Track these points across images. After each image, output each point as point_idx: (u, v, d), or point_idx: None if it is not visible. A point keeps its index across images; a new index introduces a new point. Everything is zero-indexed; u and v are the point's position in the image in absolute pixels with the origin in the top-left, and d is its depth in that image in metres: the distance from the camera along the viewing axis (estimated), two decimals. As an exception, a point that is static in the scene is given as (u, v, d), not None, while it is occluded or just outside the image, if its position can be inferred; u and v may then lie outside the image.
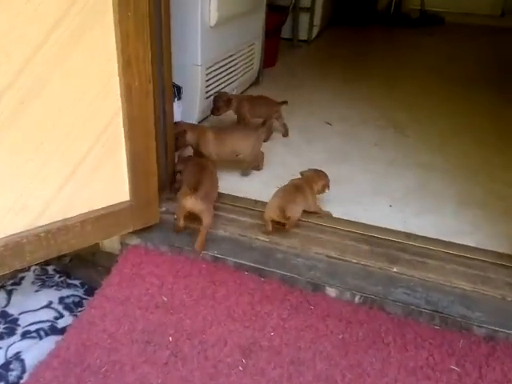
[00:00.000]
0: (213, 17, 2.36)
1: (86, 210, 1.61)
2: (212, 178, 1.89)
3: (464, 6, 5.67)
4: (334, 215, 1.94)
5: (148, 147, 1.65)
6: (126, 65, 1.47)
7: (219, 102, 2.43)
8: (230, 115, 2.56)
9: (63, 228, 1.56)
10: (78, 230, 1.59)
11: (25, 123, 1.37)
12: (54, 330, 1.60)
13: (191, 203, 1.70)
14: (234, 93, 2.83)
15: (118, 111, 1.54)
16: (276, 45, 3.81)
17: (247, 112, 2.48)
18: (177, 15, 2.26)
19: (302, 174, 1.99)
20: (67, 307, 1.72)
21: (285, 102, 2.56)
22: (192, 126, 2.23)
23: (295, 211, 1.81)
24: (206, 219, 1.72)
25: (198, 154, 2.15)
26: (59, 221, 1.55)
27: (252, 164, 2.25)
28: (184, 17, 2.29)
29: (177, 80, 2.29)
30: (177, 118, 2.23)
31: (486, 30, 5.31)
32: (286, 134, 2.64)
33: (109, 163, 1.60)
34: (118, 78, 1.49)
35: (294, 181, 1.94)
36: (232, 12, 2.56)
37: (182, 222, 1.80)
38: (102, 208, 1.64)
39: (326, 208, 1.98)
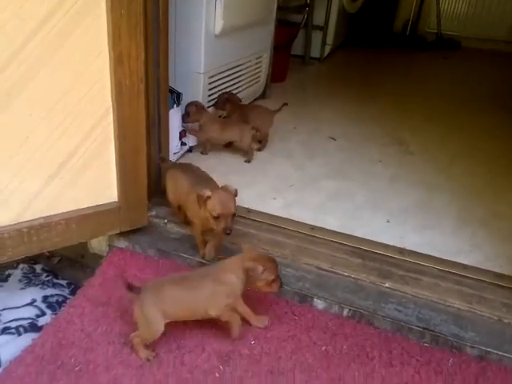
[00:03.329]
0: (218, 25, 2.37)
1: (72, 209, 1.59)
2: None
3: (481, 32, 5.62)
4: (329, 228, 1.89)
5: (138, 148, 1.64)
6: (117, 62, 1.46)
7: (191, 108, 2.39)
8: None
9: (46, 225, 1.54)
10: (62, 228, 1.57)
11: (10, 116, 1.36)
12: (33, 328, 1.56)
13: None
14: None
15: (108, 109, 1.53)
16: (286, 60, 3.82)
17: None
18: (181, 21, 2.30)
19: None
20: (50, 306, 1.69)
21: (285, 104, 2.59)
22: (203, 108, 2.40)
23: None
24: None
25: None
26: (43, 217, 1.53)
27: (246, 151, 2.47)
28: (188, 23, 2.31)
29: (178, 86, 2.30)
30: (176, 123, 2.22)
31: (502, 56, 5.26)
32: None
33: (97, 162, 1.58)
34: (109, 75, 1.48)
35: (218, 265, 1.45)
36: (238, 22, 2.57)
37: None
38: (89, 207, 1.62)
39: (321, 220, 1.93)
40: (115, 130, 1.56)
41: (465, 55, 5.38)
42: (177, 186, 1.77)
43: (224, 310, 1.37)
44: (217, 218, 1.51)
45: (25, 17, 1.28)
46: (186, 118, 2.33)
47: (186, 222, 1.79)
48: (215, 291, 1.35)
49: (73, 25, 1.36)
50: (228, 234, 1.52)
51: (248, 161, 2.46)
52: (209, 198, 1.52)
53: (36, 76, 1.35)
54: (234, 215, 1.54)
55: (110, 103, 1.52)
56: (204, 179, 1.74)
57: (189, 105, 2.34)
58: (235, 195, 1.57)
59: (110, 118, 1.54)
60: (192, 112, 2.32)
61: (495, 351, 1.38)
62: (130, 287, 1.32)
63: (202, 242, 1.69)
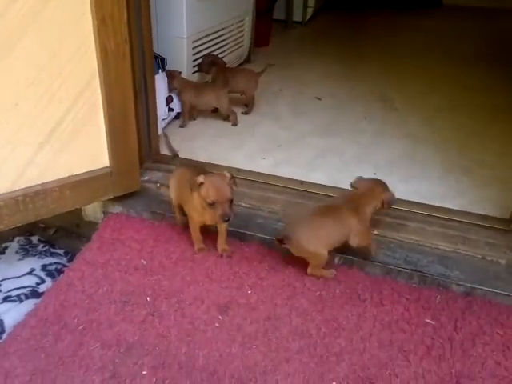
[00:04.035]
0: (199, -12, 2.35)
1: (65, 175, 1.61)
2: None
3: (462, -12, 5.60)
4: (319, 183, 1.93)
5: (126, 113, 1.65)
6: (101, 24, 1.46)
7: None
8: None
9: (41, 192, 1.56)
10: (56, 194, 1.59)
11: (-3, 83, 1.37)
12: (34, 294, 1.61)
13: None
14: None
15: (94, 73, 1.54)
16: (268, 24, 3.79)
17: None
18: (162, -14, 2.27)
19: (353, 185, 1.60)
20: (50, 274, 1.73)
21: (270, 65, 2.61)
22: (182, 78, 2.43)
23: (319, 249, 1.46)
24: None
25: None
26: (37, 185, 1.56)
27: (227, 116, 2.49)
28: (169, -12, 2.29)
29: (162, 52, 2.30)
30: (162, 89, 2.22)
31: (485, 12, 5.25)
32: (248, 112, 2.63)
33: (87, 128, 1.60)
34: (93, 38, 1.48)
35: (335, 200, 1.61)
36: (219, -16, 2.55)
37: None
38: (81, 173, 1.64)
39: (310, 176, 1.98)
40: (103, 94, 1.57)
41: (446, 12, 5.35)
42: (179, 184, 1.64)
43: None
44: (212, 204, 1.43)
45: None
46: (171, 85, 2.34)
47: (183, 223, 1.70)
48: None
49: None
50: (226, 220, 1.44)
51: (234, 124, 2.47)
52: (202, 184, 1.45)
53: (21, 40, 1.35)
54: (231, 201, 1.45)
55: (96, 66, 1.52)
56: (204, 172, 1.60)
57: (169, 72, 2.34)
58: (231, 180, 1.48)
59: (97, 81, 1.55)
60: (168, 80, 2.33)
61: (479, 287, 1.45)
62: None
63: (198, 237, 1.62)
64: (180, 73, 2.40)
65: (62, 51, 1.44)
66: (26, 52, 1.38)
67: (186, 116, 2.44)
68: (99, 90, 1.57)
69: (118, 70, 1.56)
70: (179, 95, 2.40)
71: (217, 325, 1.38)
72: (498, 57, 3.70)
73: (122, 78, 1.58)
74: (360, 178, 1.61)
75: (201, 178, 1.45)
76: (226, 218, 1.43)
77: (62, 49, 1.44)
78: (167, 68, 2.31)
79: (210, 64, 2.52)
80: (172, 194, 1.70)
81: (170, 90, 2.35)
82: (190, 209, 1.57)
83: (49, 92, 1.47)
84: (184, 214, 1.66)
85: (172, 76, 2.35)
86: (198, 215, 1.54)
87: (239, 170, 1.98)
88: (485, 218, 1.72)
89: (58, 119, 1.52)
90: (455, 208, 1.78)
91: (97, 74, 1.54)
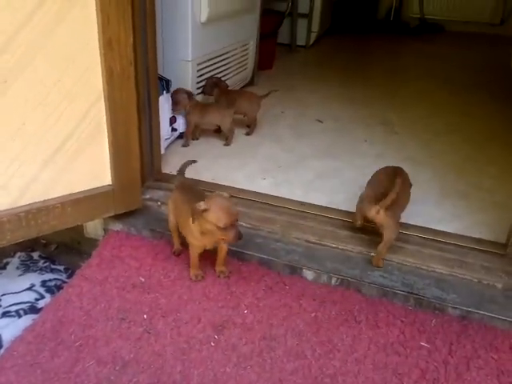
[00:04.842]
0: (204, 13, 2.41)
1: (67, 193, 1.64)
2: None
3: (464, 15, 5.68)
4: (318, 204, 1.95)
5: (130, 132, 1.69)
6: (108, 47, 1.52)
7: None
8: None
9: (44, 209, 1.59)
10: (58, 211, 1.62)
11: (7, 103, 1.41)
12: (33, 310, 1.62)
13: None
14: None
15: (100, 94, 1.58)
16: (272, 48, 3.87)
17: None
18: (168, 9, 2.35)
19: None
20: (49, 290, 1.74)
21: (274, 91, 2.65)
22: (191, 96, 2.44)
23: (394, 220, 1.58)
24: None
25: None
26: (40, 201, 1.59)
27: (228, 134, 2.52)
28: (175, 12, 2.35)
29: (167, 74, 2.35)
30: (165, 110, 2.27)
31: (485, 38, 5.34)
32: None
33: (91, 147, 1.64)
34: (99, 60, 1.53)
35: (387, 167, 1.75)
36: (223, 9, 2.62)
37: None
38: (83, 191, 1.67)
39: (310, 197, 2.00)
40: (107, 114, 1.61)
41: (448, 38, 5.46)
42: (176, 209, 1.63)
43: None
44: (224, 228, 1.41)
45: (17, 6, 1.33)
46: (175, 106, 2.38)
47: (179, 251, 1.71)
48: None
49: (63, 12, 1.41)
50: (240, 239, 1.43)
51: (227, 144, 2.51)
52: (206, 210, 1.41)
53: (31, 63, 1.41)
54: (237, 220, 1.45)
55: (102, 87, 1.57)
56: (199, 196, 1.58)
57: (176, 92, 2.38)
58: (231, 199, 1.48)
59: (102, 102, 1.59)
60: (183, 99, 2.37)
61: (475, 310, 1.45)
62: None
63: (196, 264, 1.60)
64: (193, 94, 2.45)
65: (70, 73, 1.49)
66: (35, 74, 1.43)
67: (189, 136, 2.49)
68: (104, 111, 1.61)
69: (123, 91, 1.61)
70: (186, 115, 2.44)
71: (212, 344, 1.39)
72: (498, 84, 3.75)
73: (126, 99, 1.63)
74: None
75: (203, 205, 1.41)
76: (241, 237, 1.42)
77: (70, 71, 1.49)
78: (174, 88, 2.36)
79: (212, 86, 2.58)
80: (170, 216, 1.67)
81: (175, 110, 2.39)
82: (189, 236, 1.54)
83: (56, 112, 1.51)
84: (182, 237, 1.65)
85: (189, 95, 2.40)
86: (198, 241, 1.53)
87: (240, 190, 2.01)
88: (481, 241, 1.73)
89: (64, 138, 1.56)
90: (452, 231, 1.79)
91: (102, 95, 1.59)
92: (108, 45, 1.51)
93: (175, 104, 2.36)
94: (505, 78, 3.82)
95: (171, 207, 1.67)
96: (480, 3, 5.60)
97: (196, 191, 1.66)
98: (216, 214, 1.40)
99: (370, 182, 1.76)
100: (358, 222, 1.71)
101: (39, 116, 1.49)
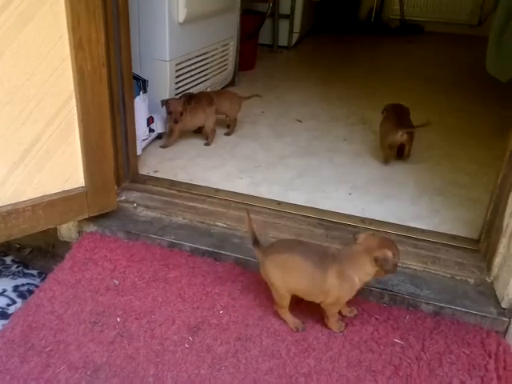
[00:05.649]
0: (181, 13, 2.40)
1: (38, 195, 1.61)
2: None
3: (443, 16, 5.76)
4: (296, 203, 1.95)
5: (103, 133, 1.67)
6: (78, 47, 1.49)
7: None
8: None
9: (14, 212, 1.55)
10: (29, 214, 1.59)
11: (-28, 103, 1.39)
12: (3, 316, 1.58)
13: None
14: (207, 90, 2.86)
15: (71, 95, 1.56)
16: (253, 48, 3.86)
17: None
18: (145, 9, 2.33)
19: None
20: (21, 295, 1.71)
21: (256, 95, 2.66)
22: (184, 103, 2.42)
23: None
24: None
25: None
26: (10, 204, 1.55)
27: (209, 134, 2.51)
28: (152, 11, 2.33)
29: (145, 74, 2.33)
30: (142, 110, 2.25)
31: (463, 39, 5.41)
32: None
33: (62, 148, 1.61)
34: (70, 60, 1.51)
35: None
36: (201, 9, 2.60)
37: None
38: (55, 193, 1.64)
39: (288, 196, 2.00)
40: (79, 115, 1.58)
41: (428, 39, 5.50)
42: (293, 274, 1.36)
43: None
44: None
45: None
46: (178, 116, 2.35)
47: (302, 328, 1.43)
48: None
49: (31, 10, 1.39)
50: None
51: (208, 144, 2.50)
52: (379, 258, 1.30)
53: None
54: None
55: (73, 88, 1.54)
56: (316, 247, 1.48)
57: (173, 104, 2.35)
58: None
59: (74, 103, 1.57)
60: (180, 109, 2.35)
61: (448, 306, 1.46)
62: None
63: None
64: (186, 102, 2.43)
65: (39, 73, 1.47)
66: (2, 73, 1.40)
67: (173, 142, 2.47)
68: (75, 111, 1.59)
69: (95, 91, 1.58)
70: (182, 119, 2.40)
71: (187, 346, 1.38)
72: (476, 83, 3.79)
73: (98, 99, 1.60)
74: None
75: (385, 253, 1.29)
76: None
77: (39, 70, 1.47)
78: (149, 89, 2.33)
79: (189, 97, 2.50)
80: (278, 292, 1.40)
81: (170, 113, 2.36)
82: (330, 296, 1.34)
83: (24, 112, 1.49)
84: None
85: (183, 103, 2.38)
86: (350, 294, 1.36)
87: (217, 190, 2.00)
88: (455, 238, 1.74)
89: (33, 139, 1.53)
90: (428, 228, 1.80)
91: (73, 96, 1.56)
92: (78, 45, 1.49)
93: (170, 114, 2.36)
94: (482, 77, 3.87)
95: (278, 276, 1.37)
96: (459, 5, 5.68)
97: (308, 246, 1.48)
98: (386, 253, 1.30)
99: (384, 120, 2.41)
100: (392, 159, 2.30)
101: (7, 116, 1.46)
